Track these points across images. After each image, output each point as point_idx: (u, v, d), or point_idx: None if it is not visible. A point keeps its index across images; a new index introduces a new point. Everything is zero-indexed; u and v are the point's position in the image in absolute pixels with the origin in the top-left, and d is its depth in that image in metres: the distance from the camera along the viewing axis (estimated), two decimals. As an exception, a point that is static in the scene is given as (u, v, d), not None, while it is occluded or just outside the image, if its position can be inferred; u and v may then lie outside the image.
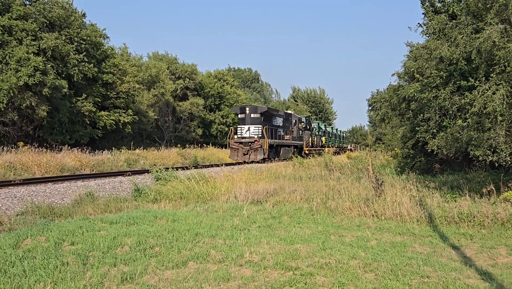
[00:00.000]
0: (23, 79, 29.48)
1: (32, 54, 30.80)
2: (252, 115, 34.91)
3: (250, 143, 33.87)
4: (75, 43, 36.54)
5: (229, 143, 35.41)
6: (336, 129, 76.91)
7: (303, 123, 50.27)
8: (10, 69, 30.08)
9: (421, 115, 18.36)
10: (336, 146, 67.96)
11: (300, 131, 46.77)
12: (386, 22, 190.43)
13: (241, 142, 34.32)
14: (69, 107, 34.96)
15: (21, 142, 28.72)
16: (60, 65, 34.55)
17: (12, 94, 29.82)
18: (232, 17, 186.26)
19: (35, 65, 29.88)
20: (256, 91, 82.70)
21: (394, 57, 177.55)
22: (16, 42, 31.54)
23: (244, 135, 34.67)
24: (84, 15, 40.58)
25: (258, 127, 34.59)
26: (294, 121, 44.68)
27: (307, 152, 48.26)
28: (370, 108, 66.02)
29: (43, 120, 33.05)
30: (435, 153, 16.19)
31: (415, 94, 17.29)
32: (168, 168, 17.38)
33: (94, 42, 39.89)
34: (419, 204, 11.02)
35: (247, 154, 33.63)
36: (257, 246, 8.14)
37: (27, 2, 36.11)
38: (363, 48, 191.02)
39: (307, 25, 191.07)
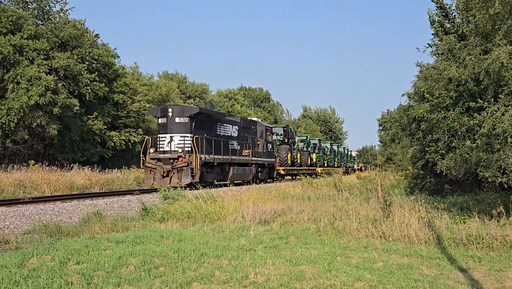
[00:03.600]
0: (34, 99, 29.72)
1: (43, 73, 31.08)
2: (177, 119, 24.99)
3: (172, 161, 24.29)
4: (87, 63, 36.87)
5: (142, 160, 25.50)
6: (347, 149, 76.61)
7: (279, 135, 41.93)
8: (21, 88, 30.35)
9: (431, 135, 18.29)
10: (346, 165, 66.89)
11: (269, 145, 35.91)
12: (396, 42, 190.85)
13: (159, 159, 24.56)
14: (79, 126, 35.19)
15: (32, 161, 28.90)
16: (72, 84, 34.84)
17: (22, 113, 30.06)
18: (243, 36, 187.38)
19: (46, 84, 30.15)
20: (266, 110, 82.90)
21: (405, 77, 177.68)
22: (28, 61, 31.84)
23: (165, 148, 24.84)
24: (97, 36, 41.02)
25: (186, 136, 24.74)
26: (259, 131, 34.67)
27: (283, 172, 39.50)
28: (380, 128, 65.61)
29: (54, 139, 33.26)
30: (444, 173, 16.10)
31: (425, 115, 17.24)
32: (176, 187, 17.39)
33: (106, 61, 40.24)
34: (428, 225, 10.92)
35: (167, 175, 24.17)
36: (262, 267, 8.09)
37: (39, 22, 36.54)
38: (374, 68, 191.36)
39: (318, 46, 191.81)
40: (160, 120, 25.76)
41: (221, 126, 28.67)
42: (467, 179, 17.68)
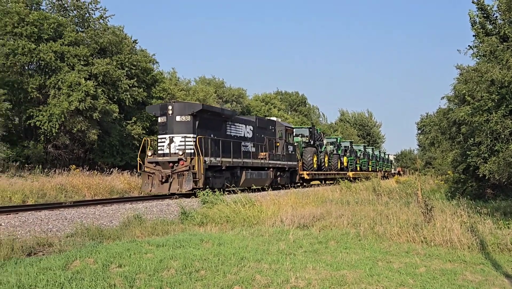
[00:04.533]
0: (74, 104, 30.25)
1: (83, 79, 31.62)
2: (178, 118, 22.53)
3: (172, 164, 21.97)
4: (126, 69, 37.37)
5: (139, 164, 23.43)
6: (384, 153, 75.65)
7: (304, 137, 38.96)
8: (62, 94, 30.93)
9: (472, 139, 17.97)
10: (383, 170, 65.52)
11: (290, 147, 32.99)
12: (435, 44, 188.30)
13: (157, 163, 22.37)
14: (119, 131, 35.65)
15: (73, 165, 29.41)
16: (111, 90, 35.35)
17: (63, 119, 30.63)
18: (279, 40, 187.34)
19: (86, 90, 30.64)
20: (303, 114, 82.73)
21: (444, 80, 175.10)
22: (68, 68, 32.43)
23: (165, 151, 22.53)
24: (135, 42, 41.57)
25: (188, 137, 22.35)
26: (279, 132, 31.67)
27: (307, 176, 36.17)
28: (419, 132, 64.73)
29: (94, 144, 33.77)
30: (487, 177, 15.79)
31: (466, 118, 16.95)
32: (214, 191, 17.45)
33: (144, 67, 40.71)
34: (470, 230, 10.71)
35: (166, 181, 21.97)
36: (303, 271, 8.04)
37: (79, 29, 37.23)
38: (413, 70, 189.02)
39: (355, 49, 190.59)
40: (159, 120, 23.46)
41: (232, 126, 26.13)
42: (511, 183, 17.33)
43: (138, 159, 23.53)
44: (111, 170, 29.48)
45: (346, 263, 8.77)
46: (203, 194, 16.96)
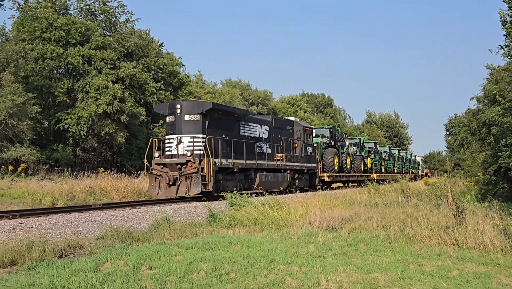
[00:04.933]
0: (102, 107, 30.57)
1: (110, 82, 31.95)
2: (186, 117, 21.51)
3: (180, 166, 20.86)
4: (152, 72, 37.69)
5: (146, 166, 22.60)
6: (411, 154, 74.84)
7: (325, 138, 37.37)
8: (90, 98, 31.30)
9: (504, 140, 17.68)
10: (410, 171, 64.42)
11: (309, 148, 31.49)
12: (463, 45, 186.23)
13: (165, 165, 21.34)
14: (146, 134, 35.93)
15: (101, 168, 29.72)
16: (138, 93, 35.66)
17: (91, 122, 30.99)
18: (305, 42, 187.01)
19: (113, 93, 30.97)
20: (329, 116, 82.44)
21: (473, 81, 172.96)
22: (96, 71, 32.82)
23: (173, 152, 21.45)
24: (161, 45, 41.91)
25: (197, 137, 21.28)
26: (297, 132, 30.32)
27: (327, 178, 34.31)
28: (447, 133, 63.99)
29: (122, 146, 34.10)
30: (519, 179, 15.52)
31: (496, 118, 16.72)
32: (242, 193, 17.44)
33: (171, 70, 41.01)
34: (504, 233, 10.51)
35: (174, 184, 20.82)
36: (333, 274, 7.97)
37: (106, 33, 37.66)
38: (440, 71, 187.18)
39: (381, 50, 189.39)
40: (168, 119, 22.31)
41: (246, 126, 24.98)
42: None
43: (145, 160, 22.68)
44: (139, 172, 29.72)
45: (377, 266, 8.66)
46: (231, 196, 16.95)
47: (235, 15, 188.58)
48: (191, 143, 21.13)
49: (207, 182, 20.65)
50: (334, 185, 38.20)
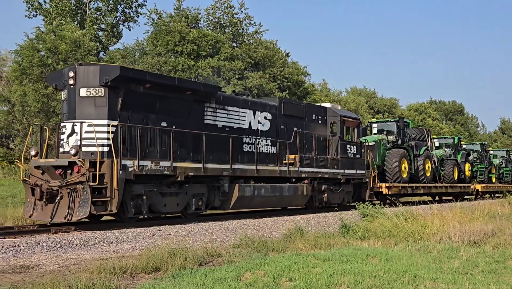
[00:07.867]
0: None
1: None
2: (83, 91, 13.75)
3: (61, 171, 13.53)
4: (278, 81, 38.15)
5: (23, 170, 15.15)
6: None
7: (392, 134, 29.04)
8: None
9: None
10: None
11: (352, 148, 22.68)
12: None
13: (40, 168, 13.97)
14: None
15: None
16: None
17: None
18: (433, 47, 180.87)
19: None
20: (459, 124, 79.05)
21: None
22: (224, 82, 33.74)
23: (65, 148, 13.91)
24: (287, 54, 42.37)
25: (99, 125, 13.60)
26: (330, 124, 21.81)
27: (386, 190, 25.12)
28: None
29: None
30: None
31: None
32: (375, 204, 17.00)
33: (296, 80, 41.30)
34: None
35: (51, 201, 13.31)
36: (486, 293, 7.48)
37: (234, 44, 38.67)
38: None
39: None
40: (62, 96, 14.91)
41: (219, 110, 17.13)
42: None
43: (17, 161, 17.05)
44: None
45: (532, 286, 8.04)
46: (363, 207, 16.61)
47: (360, 22, 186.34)
48: (90, 134, 13.44)
49: (107, 198, 13.35)
50: (402, 199, 27.58)
